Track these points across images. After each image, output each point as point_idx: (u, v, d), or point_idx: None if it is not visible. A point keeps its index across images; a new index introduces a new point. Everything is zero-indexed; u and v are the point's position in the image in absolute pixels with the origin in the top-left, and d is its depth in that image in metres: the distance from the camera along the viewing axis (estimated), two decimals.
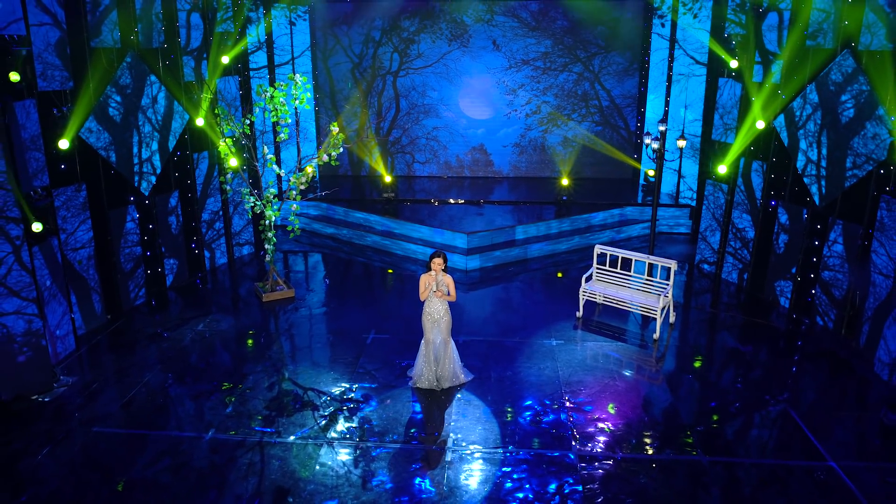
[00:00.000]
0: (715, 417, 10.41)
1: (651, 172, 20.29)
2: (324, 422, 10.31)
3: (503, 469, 9.24)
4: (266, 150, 14.50)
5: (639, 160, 21.84)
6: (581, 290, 13.91)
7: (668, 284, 13.54)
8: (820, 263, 13.58)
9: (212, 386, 11.29)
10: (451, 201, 20.02)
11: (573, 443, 9.79)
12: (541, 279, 16.39)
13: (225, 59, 16.23)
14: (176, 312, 14.23)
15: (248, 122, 14.53)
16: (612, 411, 10.59)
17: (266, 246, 15.00)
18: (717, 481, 8.99)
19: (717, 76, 16.15)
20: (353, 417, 10.43)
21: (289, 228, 15.12)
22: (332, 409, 10.66)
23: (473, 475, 9.12)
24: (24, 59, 10.95)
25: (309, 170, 14.67)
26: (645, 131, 19.71)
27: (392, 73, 22.17)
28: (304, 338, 13.16)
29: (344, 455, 9.53)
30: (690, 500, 8.67)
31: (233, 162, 14.56)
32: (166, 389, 11.19)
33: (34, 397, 10.88)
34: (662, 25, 20.09)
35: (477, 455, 9.54)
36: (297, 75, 14.05)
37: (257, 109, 15.02)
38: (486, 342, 12.82)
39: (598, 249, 14.33)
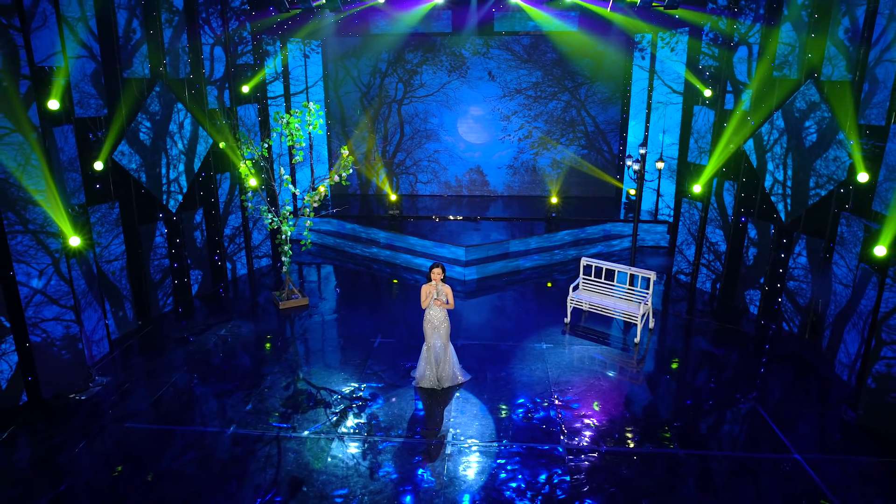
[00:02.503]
0: (690, 414, 10.47)
1: (632, 191, 20.37)
2: (335, 418, 10.36)
3: (498, 461, 9.29)
4: (283, 171, 14.60)
5: (621, 180, 21.93)
6: (569, 298, 13.98)
7: (647, 293, 13.61)
8: (786, 274, 13.66)
9: (233, 385, 11.34)
10: (451, 218, 20.10)
11: (561, 437, 9.84)
12: (532, 288, 16.46)
13: (245, 89, 16.36)
14: (201, 319, 14.30)
15: (266, 145, 14.64)
16: (596, 408, 10.64)
17: (282, 258, 15.08)
18: (693, 472, 9.04)
19: (692, 104, 16.28)
20: (362, 414, 10.49)
21: (301, 242, 15.18)
22: (342, 406, 10.72)
23: (471, 467, 9.17)
24: (63, 88, 11.07)
25: (322, 189, 14.76)
26: (627, 154, 19.87)
27: (397, 102, 22.30)
28: (317, 342, 13.22)
29: (353, 448, 9.58)
30: (668, 489, 8.72)
31: (252, 182, 14.66)
32: (192, 389, 11.24)
33: (72, 396, 10.94)
34: (643, 58, 20.24)
35: (474, 448, 9.59)
36: (311, 103, 14.17)
37: (274, 134, 15.15)
38: (483, 346, 12.87)
39: (584, 261, 14.41)
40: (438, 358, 11.20)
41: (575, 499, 8.51)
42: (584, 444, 9.69)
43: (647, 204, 20.48)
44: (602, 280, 14.39)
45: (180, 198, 14.61)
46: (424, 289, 11.04)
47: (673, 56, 18.74)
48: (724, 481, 8.84)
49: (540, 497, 8.54)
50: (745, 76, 14.29)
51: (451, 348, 11.30)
